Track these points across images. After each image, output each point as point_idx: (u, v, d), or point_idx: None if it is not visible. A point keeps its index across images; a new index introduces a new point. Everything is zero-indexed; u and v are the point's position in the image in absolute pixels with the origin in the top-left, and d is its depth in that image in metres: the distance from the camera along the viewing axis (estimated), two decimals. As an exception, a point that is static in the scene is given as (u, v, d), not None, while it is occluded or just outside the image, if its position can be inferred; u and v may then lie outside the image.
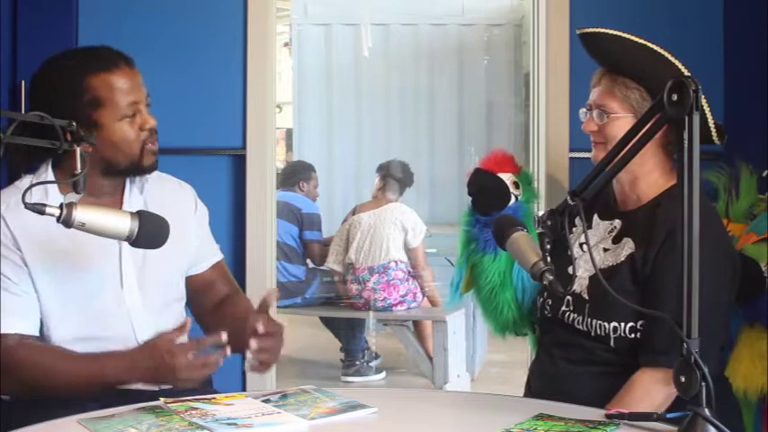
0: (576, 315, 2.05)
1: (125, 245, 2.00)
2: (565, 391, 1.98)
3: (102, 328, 2.03)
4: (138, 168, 2.05)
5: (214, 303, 2.25)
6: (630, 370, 1.95)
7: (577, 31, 2.15)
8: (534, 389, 2.17)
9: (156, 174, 2.14)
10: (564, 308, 2.08)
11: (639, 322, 1.96)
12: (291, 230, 5.64)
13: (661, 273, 1.94)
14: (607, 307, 1.98)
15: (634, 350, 1.96)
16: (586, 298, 2.04)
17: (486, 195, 2.31)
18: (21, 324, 1.97)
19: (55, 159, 2.04)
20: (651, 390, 1.90)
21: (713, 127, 2.00)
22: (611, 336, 1.98)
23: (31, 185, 1.79)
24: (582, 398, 1.86)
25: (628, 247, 2.02)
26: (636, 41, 2.01)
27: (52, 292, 1.98)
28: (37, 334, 1.99)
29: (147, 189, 2.12)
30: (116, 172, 2.04)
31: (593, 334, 2.01)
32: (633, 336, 1.96)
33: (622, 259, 2.01)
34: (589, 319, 2.02)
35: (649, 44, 2.00)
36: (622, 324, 1.97)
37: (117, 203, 2.07)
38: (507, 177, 2.32)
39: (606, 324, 1.98)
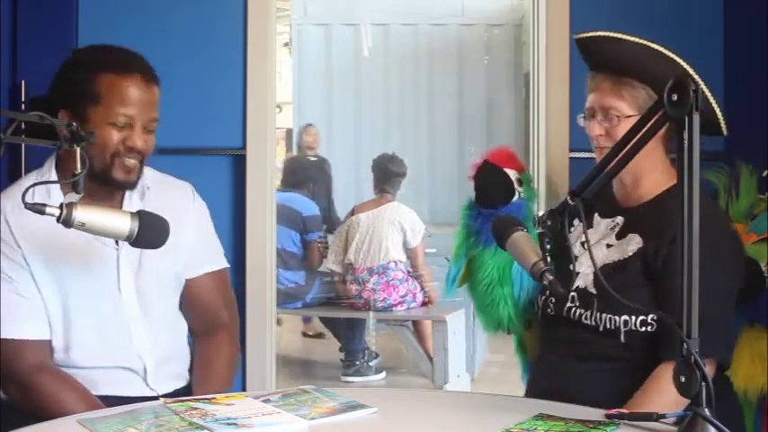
0: (583, 310, 2.03)
1: (123, 251, 2.00)
2: (574, 389, 1.96)
3: (100, 334, 2.02)
4: (107, 178, 1.97)
5: (197, 322, 2.18)
6: (642, 366, 1.92)
7: (574, 37, 2.13)
8: (540, 388, 2.13)
9: (158, 177, 2.13)
10: (569, 304, 2.06)
11: (650, 316, 1.93)
12: (292, 235, 5.61)
13: (672, 269, 1.93)
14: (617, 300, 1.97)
15: (646, 345, 1.94)
16: (594, 292, 2.03)
17: (494, 188, 2.31)
18: (35, 328, 1.96)
19: (58, 159, 2.02)
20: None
21: (720, 117, 1.99)
22: (622, 329, 1.95)
23: (30, 186, 1.78)
24: (592, 396, 1.83)
25: (635, 242, 2.02)
26: (637, 42, 2.00)
27: (54, 297, 1.98)
28: (50, 338, 1.98)
29: (147, 197, 2.08)
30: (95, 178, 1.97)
31: (602, 329, 1.98)
32: (644, 329, 1.94)
33: (630, 254, 2.00)
34: (598, 314, 1.99)
35: (651, 44, 2.00)
36: (633, 317, 1.94)
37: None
38: (512, 174, 2.32)
39: (617, 318, 1.96)
